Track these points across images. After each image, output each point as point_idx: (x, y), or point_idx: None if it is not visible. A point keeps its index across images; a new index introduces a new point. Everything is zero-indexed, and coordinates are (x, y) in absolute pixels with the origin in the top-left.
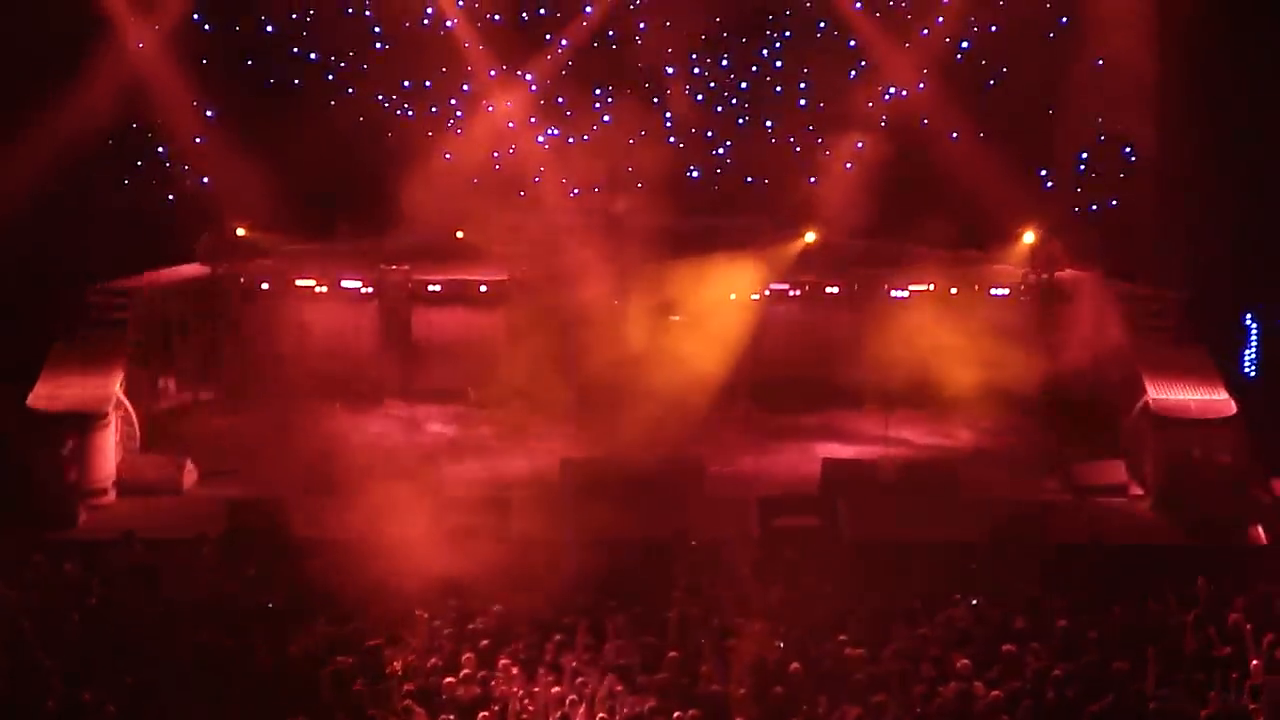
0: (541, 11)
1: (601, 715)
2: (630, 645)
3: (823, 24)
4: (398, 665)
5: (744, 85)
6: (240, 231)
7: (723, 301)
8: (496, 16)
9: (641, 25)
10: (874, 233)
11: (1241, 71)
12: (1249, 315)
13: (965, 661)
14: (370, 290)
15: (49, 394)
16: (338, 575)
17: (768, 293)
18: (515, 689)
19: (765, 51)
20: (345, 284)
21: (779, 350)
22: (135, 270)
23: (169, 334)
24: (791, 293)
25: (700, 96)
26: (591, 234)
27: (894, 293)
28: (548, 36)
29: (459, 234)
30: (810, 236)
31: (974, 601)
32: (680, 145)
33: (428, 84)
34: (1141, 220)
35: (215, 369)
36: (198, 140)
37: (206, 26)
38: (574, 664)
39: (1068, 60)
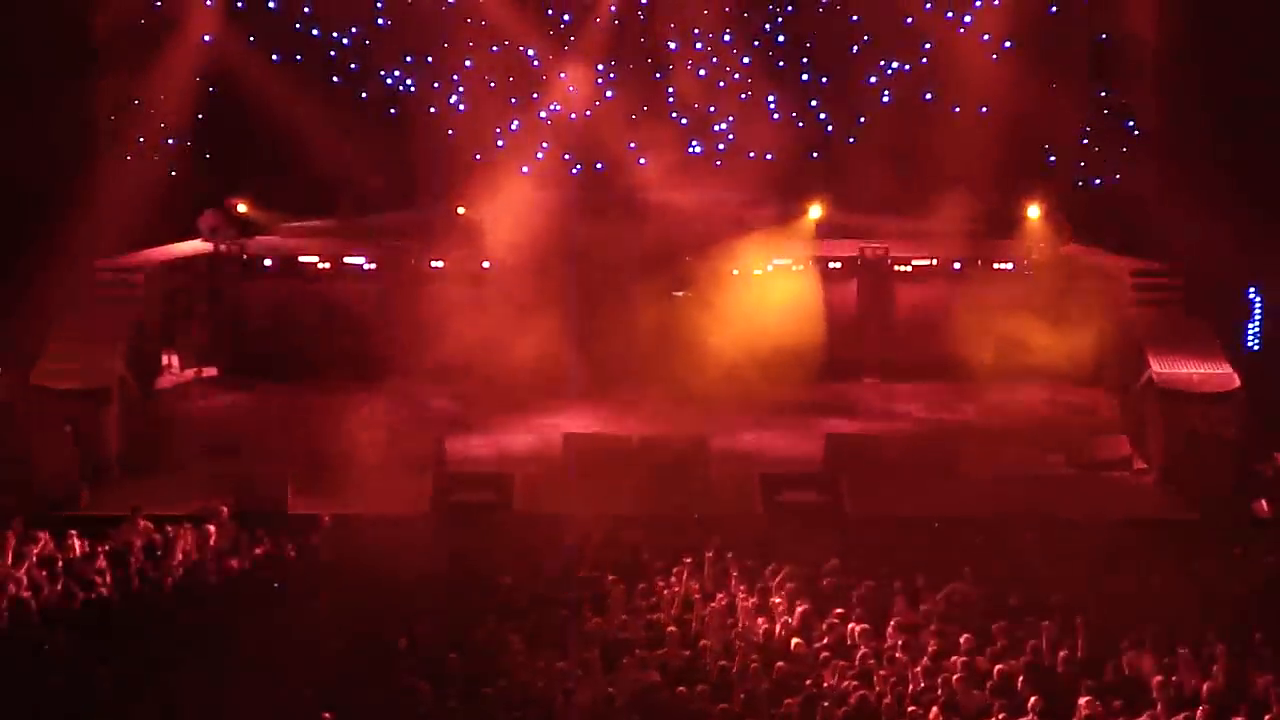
0: None
1: (611, 690)
2: (633, 620)
3: None
4: (404, 641)
5: (746, 60)
6: (242, 208)
7: (727, 277)
8: None
9: (643, 0)
10: (878, 208)
11: (1244, 43)
12: (1252, 289)
13: (968, 636)
14: (373, 267)
15: (53, 371)
16: (341, 552)
17: (771, 268)
18: (520, 664)
19: (767, 26)
20: (348, 260)
21: (783, 325)
22: (137, 247)
23: (172, 311)
24: (795, 267)
25: (703, 72)
26: (594, 210)
27: (897, 267)
28: (549, 11)
29: (460, 210)
30: (815, 212)
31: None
32: (683, 121)
33: (430, 59)
34: (1144, 194)
35: (218, 346)
36: (200, 116)
37: (209, 3)
38: (579, 639)
39: (1070, 34)
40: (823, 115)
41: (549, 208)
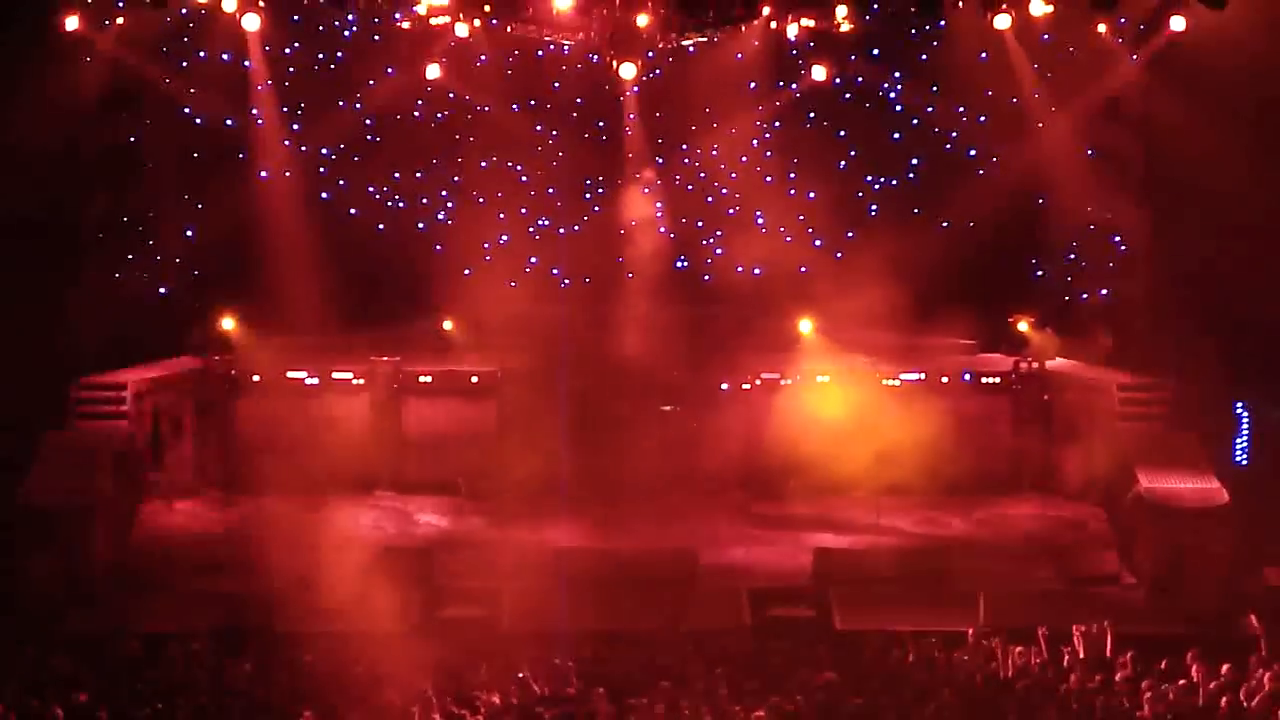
0: (532, 103)
1: None
2: None
3: (812, 114)
4: None
5: (734, 175)
6: (230, 324)
7: (715, 392)
8: (486, 108)
9: (631, 116)
10: (866, 322)
11: (1231, 161)
12: (1240, 404)
13: None
14: (361, 382)
15: (40, 489)
16: (330, 670)
17: (759, 382)
18: None
19: (755, 141)
20: (336, 376)
21: (771, 439)
22: (125, 364)
23: (159, 427)
24: (784, 381)
25: (690, 187)
26: (582, 325)
27: (885, 381)
28: (538, 127)
29: (447, 325)
30: (805, 326)
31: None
32: (671, 235)
33: (419, 175)
34: (1132, 309)
35: (206, 462)
36: (188, 233)
37: (198, 120)
38: None
39: (1057, 150)
40: (810, 229)
41: (537, 322)
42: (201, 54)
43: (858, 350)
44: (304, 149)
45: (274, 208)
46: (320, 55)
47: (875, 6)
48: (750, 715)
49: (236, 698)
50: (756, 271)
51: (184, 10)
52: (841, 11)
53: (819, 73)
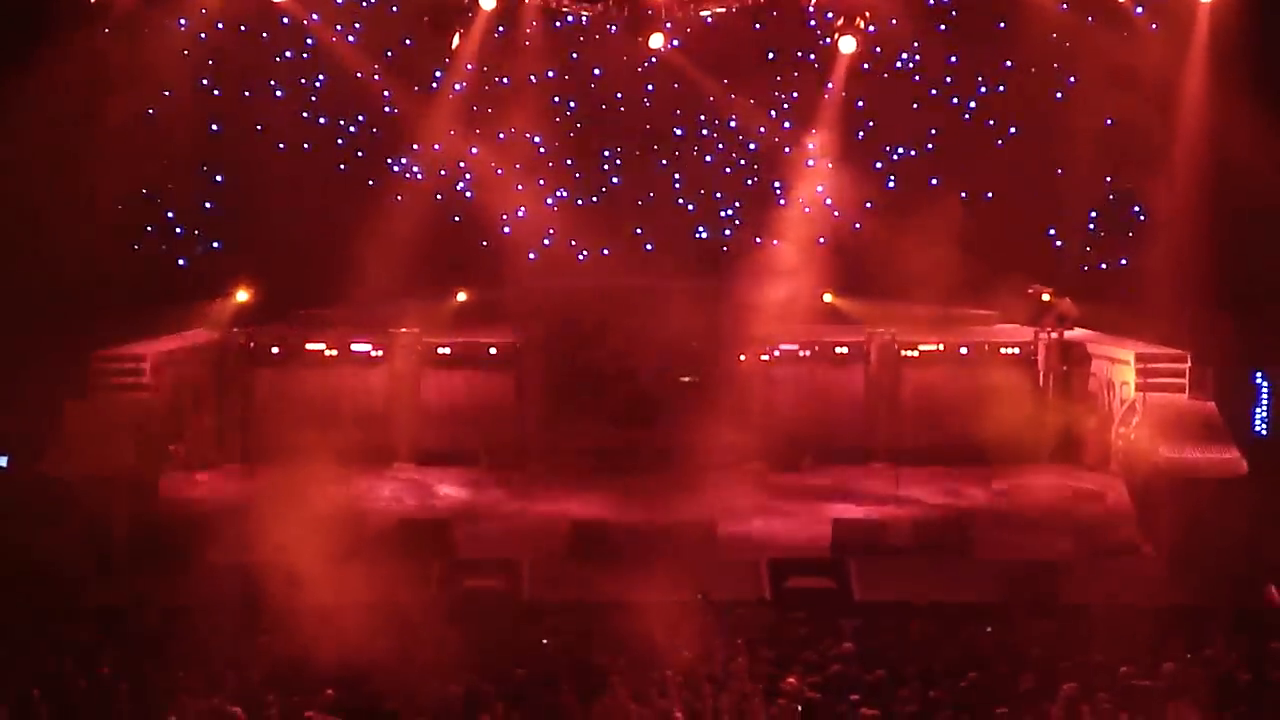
0: (550, 74)
1: None
2: (643, 709)
3: (830, 85)
4: None
5: (752, 146)
6: (249, 296)
7: (734, 362)
8: (505, 80)
9: (649, 87)
10: (885, 293)
11: (1252, 130)
12: (1259, 374)
13: None
14: (380, 353)
15: (61, 460)
16: (350, 643)
17: (778, 353)
18: None
19: (773, 112)
20: (355, 348)
21: (790, 410)
22: (146, 336)
23: (180, 400)
24: (802, 353)
25: (709, 158)
26: (600, 296)
27: (904, 352)
28: (556, 99)
29: (461, 296)
30: (828, 297)
31: None
32: (690, 207)
33: (437, 147)
34: (1151, 278)
35: (226, 435)
36: (207, 205)
37: (216, 92)
38: None
39: (1076, 120)
40: (829, 201)
41: (555, 294)
42: (219, 25)
43: (877, 320)
44: (322, 121)
45: (293, 180)
46: (339, 27)
47: None
48: (771, 687)
49: (256, 671)
50: (775, 242)
51: None
52: None
53: (848, 44)
